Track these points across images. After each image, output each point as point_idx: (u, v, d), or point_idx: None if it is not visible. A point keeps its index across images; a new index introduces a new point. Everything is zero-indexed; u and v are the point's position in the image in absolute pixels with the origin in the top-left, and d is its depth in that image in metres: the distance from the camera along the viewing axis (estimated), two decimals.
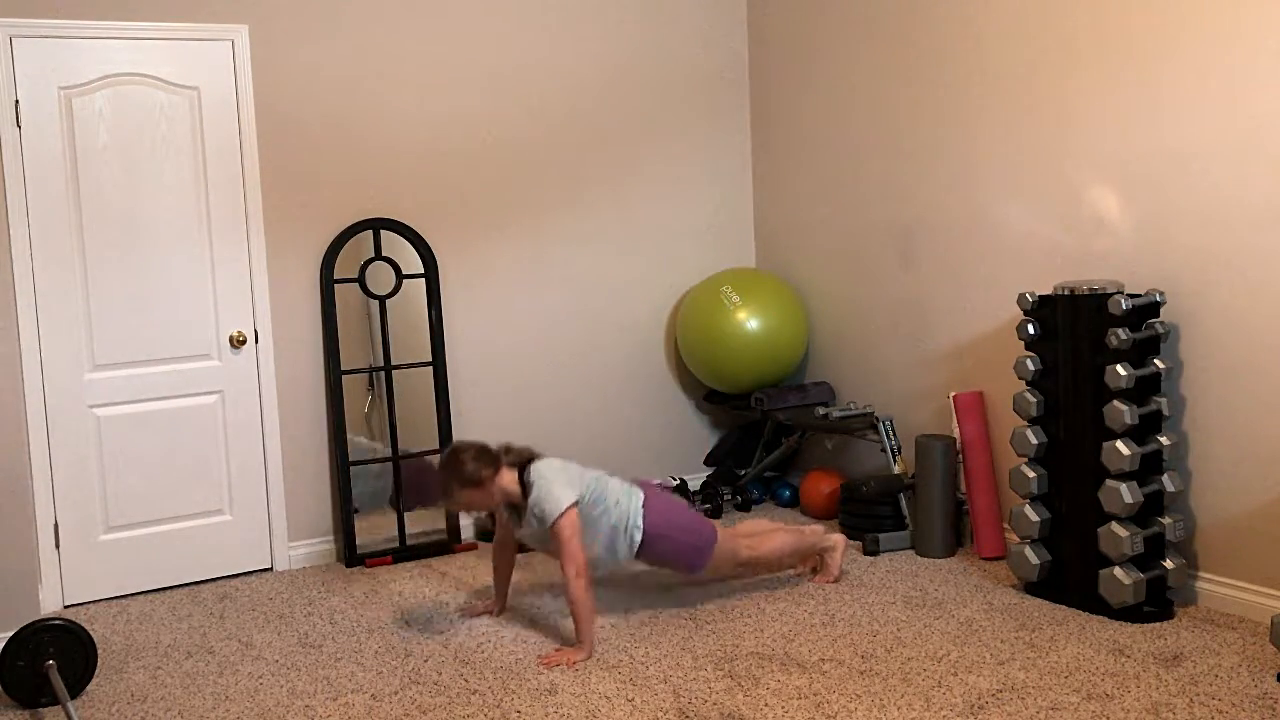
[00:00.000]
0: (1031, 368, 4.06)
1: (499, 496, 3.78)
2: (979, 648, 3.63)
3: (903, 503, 4.76)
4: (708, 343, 5.26)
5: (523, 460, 3.82)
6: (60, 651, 3.45)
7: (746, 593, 4.22)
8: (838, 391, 5.45)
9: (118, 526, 4.48)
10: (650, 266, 5.55)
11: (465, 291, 5.10)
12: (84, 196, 4.35)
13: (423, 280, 4.96)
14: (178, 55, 4.47)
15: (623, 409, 5.49)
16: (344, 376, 4.82)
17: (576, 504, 3.74)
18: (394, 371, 4.92)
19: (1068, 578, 3.98)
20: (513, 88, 5.15)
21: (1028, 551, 4.04)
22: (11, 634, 3.45)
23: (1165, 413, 3.86)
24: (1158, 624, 3.77)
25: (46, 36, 4.26)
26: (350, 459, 4.83)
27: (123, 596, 4.50)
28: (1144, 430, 3.84)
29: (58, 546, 4.39)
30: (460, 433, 5.07)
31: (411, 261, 4.95)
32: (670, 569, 4.09)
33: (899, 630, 3.80)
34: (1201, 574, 3.93)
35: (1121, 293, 3.81)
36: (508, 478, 3.78)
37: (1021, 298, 4.07)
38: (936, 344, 4.88)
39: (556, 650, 3.70)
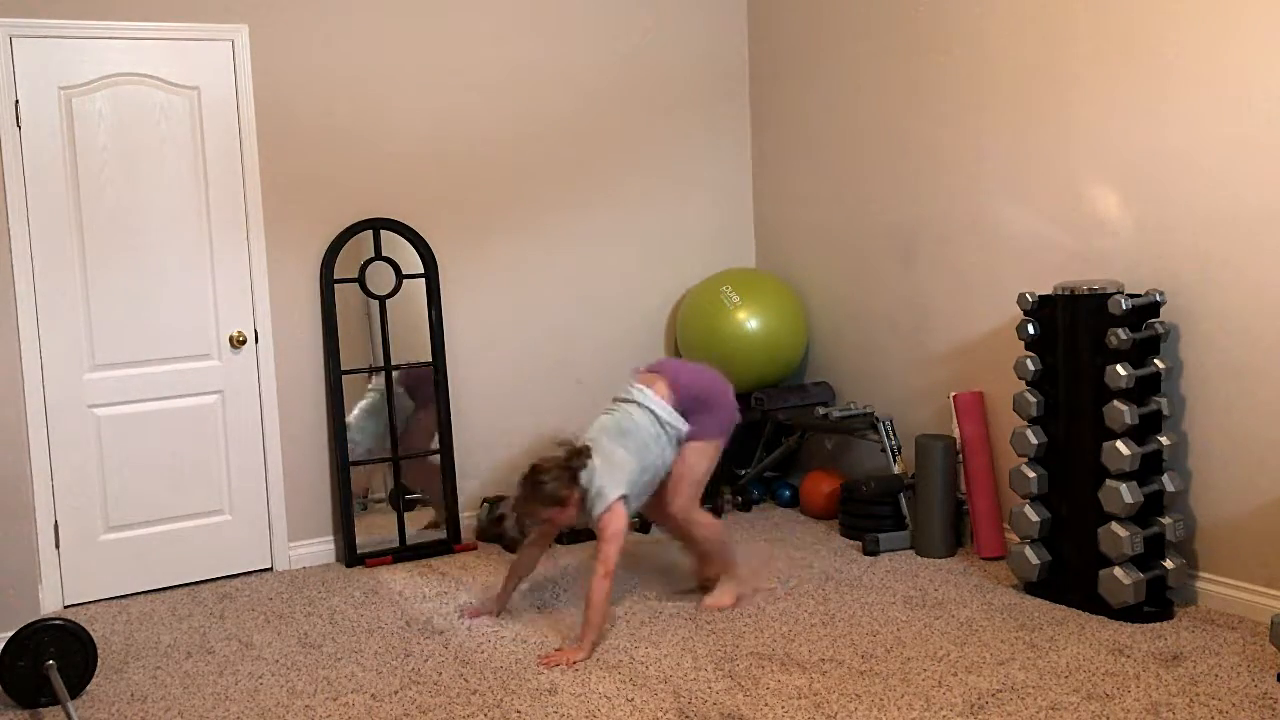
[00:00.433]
0: (1031, 368, 4.06)
1: (576, 508, 3.80)
2: (979, 648, 3.63)
3: (903, 503, 4.76)
4: (708, 343, 5.26)
5: (582, 459, 3.80)
6: (60, 651, 3.45)
7: (753, 593, 4.22)
8: (838, 391, 5.45)
9: (118, 526, 4.48)
10: (650, 266, 5.55)
11: (465, 291, 5.10)
12: (84, 196, 4.35)
13: (423, 280, 4.97)
14: (178, 55, 4.47)
15: None
16: (344, 376, 4.82)
17: (624, 497, 3.77)
18: (393, 363, 4.93)
19: (1068, 578, 3.98)
20: (513, 88, 5.15)
21: (1028, 551, 4.04)
22: (11, 634, 3.45)
23: (1165, 413, 3.86)
24: (1158, 624, 3.77)
25: (46, 36, 4.26)
26: (350, 458, 4.83)
27: (123, 596, 4.50)
28: (1144, 430, 3.84)
29: (58, 546, 4.39)
30: (460, 432, 5.07)
31: (411, 261, 4.95)
32: (697, 439, 4.00)
33: (899, 630, 3.80)
34: (1201, 574, 3.93)
35: (1121, 293, 3.81)
36: (577, 492, 3.79)
37: (1021, 298, 4.07)
38: (936, 344, 4.88)
39: (557, 650, 3.70)
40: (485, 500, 5.09)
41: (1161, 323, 3.85)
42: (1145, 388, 3.86)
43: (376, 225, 4.86)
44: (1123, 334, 3.74)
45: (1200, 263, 3.83)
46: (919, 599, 4.10)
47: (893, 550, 4.66)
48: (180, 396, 4.57)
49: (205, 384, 4.61)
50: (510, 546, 4.89)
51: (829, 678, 3.44)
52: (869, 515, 4.77)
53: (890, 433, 4.92)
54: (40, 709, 3.45)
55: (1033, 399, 4.06)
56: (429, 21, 4.96)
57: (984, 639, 3.70)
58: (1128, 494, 3.74)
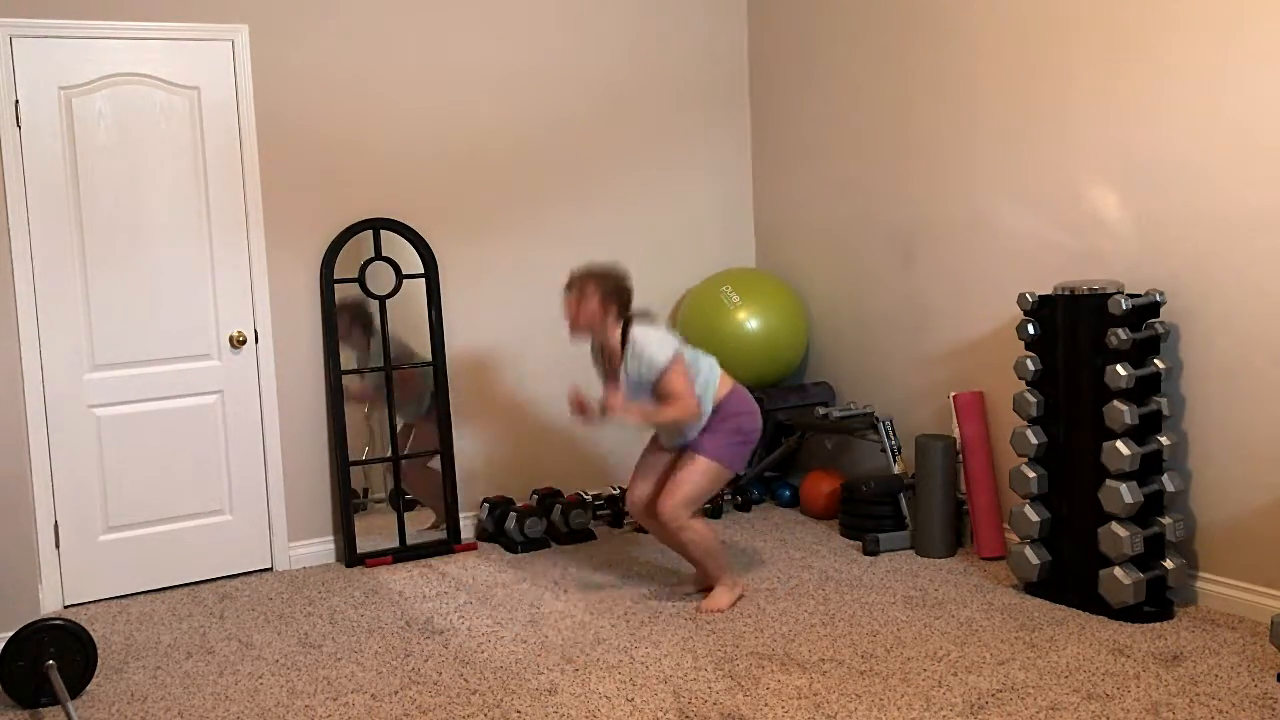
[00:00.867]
0: (1031, 368, 4.06)
1: (602, 331, 3.98)
2: (979, 648, 3.63)
3: (903, 503, 4.76)
4: (708, 343, 5.25)
5: (628, 319, 4.00)
6: (60, 651, 3.45)
7: (747, 593, 4.22)
8: (838, 391, 5.45)
9: (118, 526, 4.48)
10: (650, 266, 5.55)
11: (465, 291, 5.10)
12: (84, 196, 4.35)
13: (423, 280, 4.96)
14: (178, 55, 4.47)
15: None
16: (344, 376, 4.82)
17: (680, 354, 3.91)
18: (393, 360, 4.93)
19: (1068, 578, 3.98)
20: (513, 88, 5.15)
21: (1028, 551, 4.04)
22: (11, 634, 3.45)
23: (1165, 413, 3.86)
24: (1158, 624, 3.77)
25: (46, 36, 4.26)
26: (350, 459, 4.83)
27: (123, 596, 4.50)
28: (1144, 430, 3.84)
29: (58, 546, 4.39)
30: (460, 432, 5.07)
31: (411, 261, 4.95)
32: (714, 458, 4.02)
33: (899, 630, 3.80)
34: (1201, 574, 3.93)
35: (1121, 293, 3.81)
36: (617, 327, 3.96)
37: (1021, 298, 4.07)
38: (936, 344, 4.88)
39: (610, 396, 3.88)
40: (485, 500, 5.09)
41: (1161, 323, 3.85)
42: (1145, 388, 3.86)
43: (376, 225, 4.86)
44: (1123, 334, 3.74)
45: (1200, 263, 3.83)
46: (919, 599, 4.10)
47: (893, 550, 4.66)
48: (180, 396, 4.57)
49: (205, 384, 4.61)
50: (511, 547, 4.89)
51: (829, 678, 3.44)
52: (869, 515, 4.77)
53: (890, 433, 4.92)
54: (40, 709, 3.45)
55: (1033, 399, 4.06)
56: (429, 21, 4.96)
57: (984, 639, 3.70)
58: (1128, 494, 3.74)
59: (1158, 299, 3.85)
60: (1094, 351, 3.88)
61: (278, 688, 3.54)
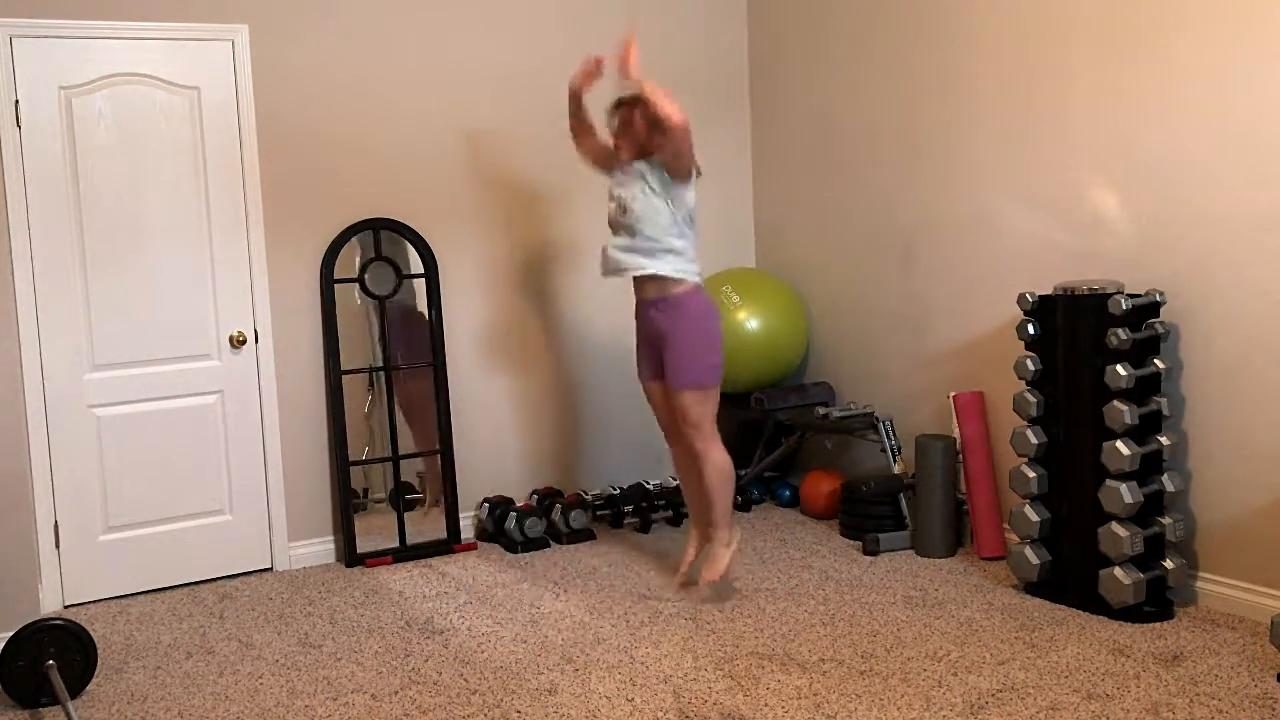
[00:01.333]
0: (1031, 368, 4.06)
1: (644, 133, 4.11)
2: (979, 648, 3.63)
3: (903, 503, 4.76)
4: None
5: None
6: (60, 651, 3.45)
7: (746, 593, 4.22)
8: (838, 391, 5.45)
9: (118, 526, 4.48)
10: None
11: (465, 291, 5.10)
12: (84, 196, 4.35)
13: (423, 280, 4.96)
14: (178, 55, 4.47)
15: (623, 409, 5.48)
16: (344, 376, 4.82)
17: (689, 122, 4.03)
18: (393, 360, 4.93)
19: (1068, 578, 3.98)
20: (513, 87, 5.15)
21: (1028, 551, 4.04)
22: (11, 634, 3.45)
23: (1165, 413, 3.86)
24: (1158, 624, 3.77)
25: (46, 36, 4.26)
26: (350, 459, 4.83)
27: (123, 596, 4.50)
28: (1144, 430, 3.84)
29: (58, 546, 4.39)
30: (460, 432, 5.07)
31: (411, 261, 4.95)
32: (696, 385, 4.06)
33: (899, 630, 3.80)
34: (1201, 574, 3.93)
35: (1121, 293, 3.81)
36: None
37: (1021, 298, 4.07)
38: (936, 344, 4.88)
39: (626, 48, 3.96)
40: (485, 500, 5.09)
41: (1161, 323, 3.85)
42: (1145, 388, 3.86)
43: (376, 225, 4.86)
44: (1123, 334, 3.74)
45: (1200, 263, 3.83)
46: (919, 599, 4.10)
47: (893, 550, 4.66)
48: (180, 396, 4.57)
49: (205, 384, 4.61)
50: (511, 546, 4.89)
51: (829, 678, 3.44)
52: (869, 515, 4.77)
53: (890, 433, 4.92)
54: (40, 709, 3.45)
55: (1033, 399, 4.06)
56: (429, 21, 4.96)
57: (984, 639, 3.70)
58: (1128, 494, 3.74)
59: (1158, 299, 3.85)
60: (1094, 351, 3.88)
61: (278, 688, 3.54)
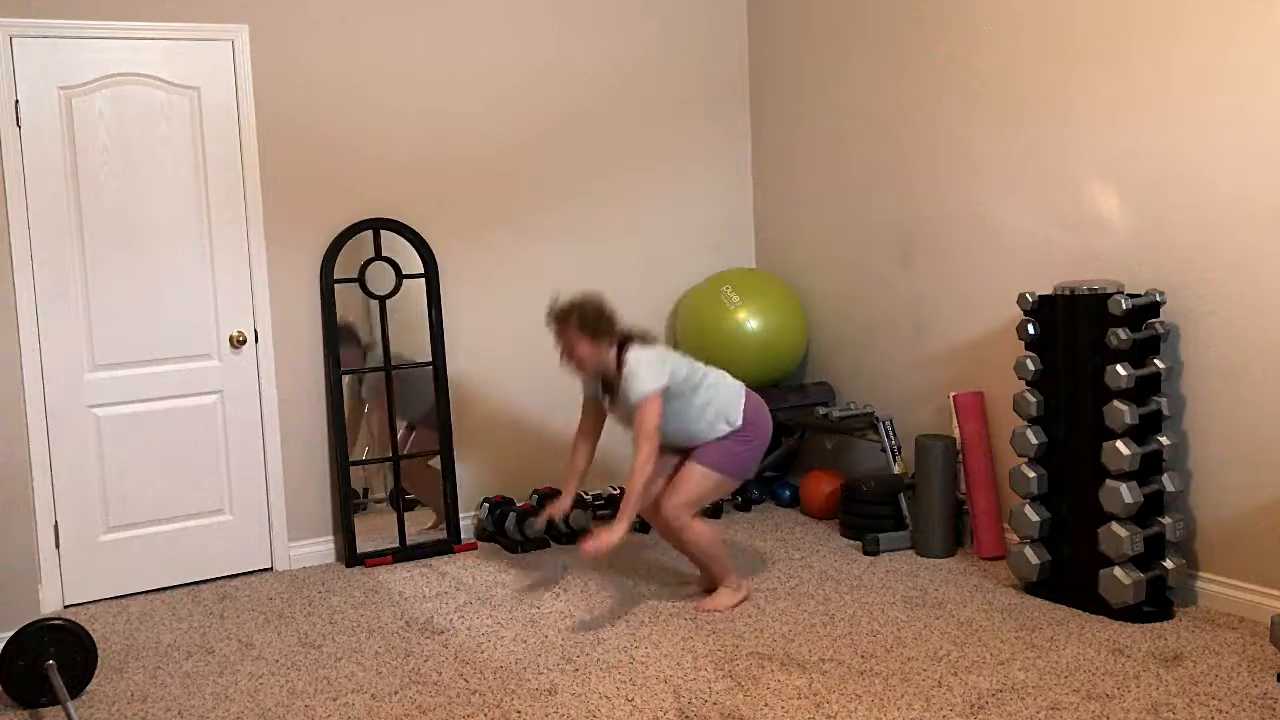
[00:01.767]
0: (1031, 368, 4.06)
1: (600, 362, 3.92)
2: (979, 648, 3.63)
3: (903, 503, 4.76)
4: (708, 343, 5.25)
5: (625, 339, 3.93)
6: (60, 651, 3.45)
7: (751, 595, 4.22)
8: (838, 391, 5.45)
9: (118, 526, 4.48)
10: (650, 266, 5.55)
11: (465, 291, 5.10)
12: (84, 196, 4.35)
13: (423, 280, 4.96)
14: (178, 55, 4.47)
15: None
16: (344, 376, 4.83)
17: (664, 388, 3.86)
18: (394, 359, 4.93)
19: (1068, 578, 3.98)
20: (513, 88, 5.15)
21: (1028, 551, 4.04)
22: (11, 634, 3.45)
23: (1165, 413, 3.86)
24: (1158, 624, 3.77)
25: (46, 36, 4.26)
26: (350, 459, 4.83)
27: (123, 596, 4.50)
28: (1144, 430, 3.84)
29: (58, 546, 4.39)
30: (460, 432, 5.07)
31: (411, 261, 4.95)
32: (716, 467, 4.03)
33: (899, 630, 3.80)
34: (1201, 574, 3.93)
35: (1121, 293, 3.81)
36: (611, 351, 3.91)
37: (1021, 298, 4.07)
38: (936, 344, 4.88)
39: (594, 535, 3.71)
40: (485, 500, 5.09)
41: (1161, 323, 3.85)
42: (1145, 388, 3.86)
43: (376, 225, 4.86)
44: (1123, 334, 3.74)
45: (1200, 263, 3.83)
46: (919, 599, 4.10)
47: (893, 550, 4.66)
48: (180, 396, 4.57)
49: (205, 384, 4.61)
50: (511, 547, 4.89)
51: (829, 678, 3.44)
52: (869, 515, 4.77)
53: (890, 433, 4.92)
54: (40, 709, 3.45)
55: (1033, 399, 4.06)
56: (429, 21, 4.96)
57: (984, 639, 3.70)
58: (1128, 494, 3.74)
59: (1158, 299, 3.85)
60: (1094, 351, 3.88)
61: (278, 688, 3.54)
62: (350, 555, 4.78)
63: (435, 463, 5.01)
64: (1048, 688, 3.31)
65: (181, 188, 4.51)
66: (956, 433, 4.61)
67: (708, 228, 5.72)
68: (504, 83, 5.13)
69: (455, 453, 5.04)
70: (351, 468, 4.84)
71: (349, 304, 4.86)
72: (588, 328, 3.89)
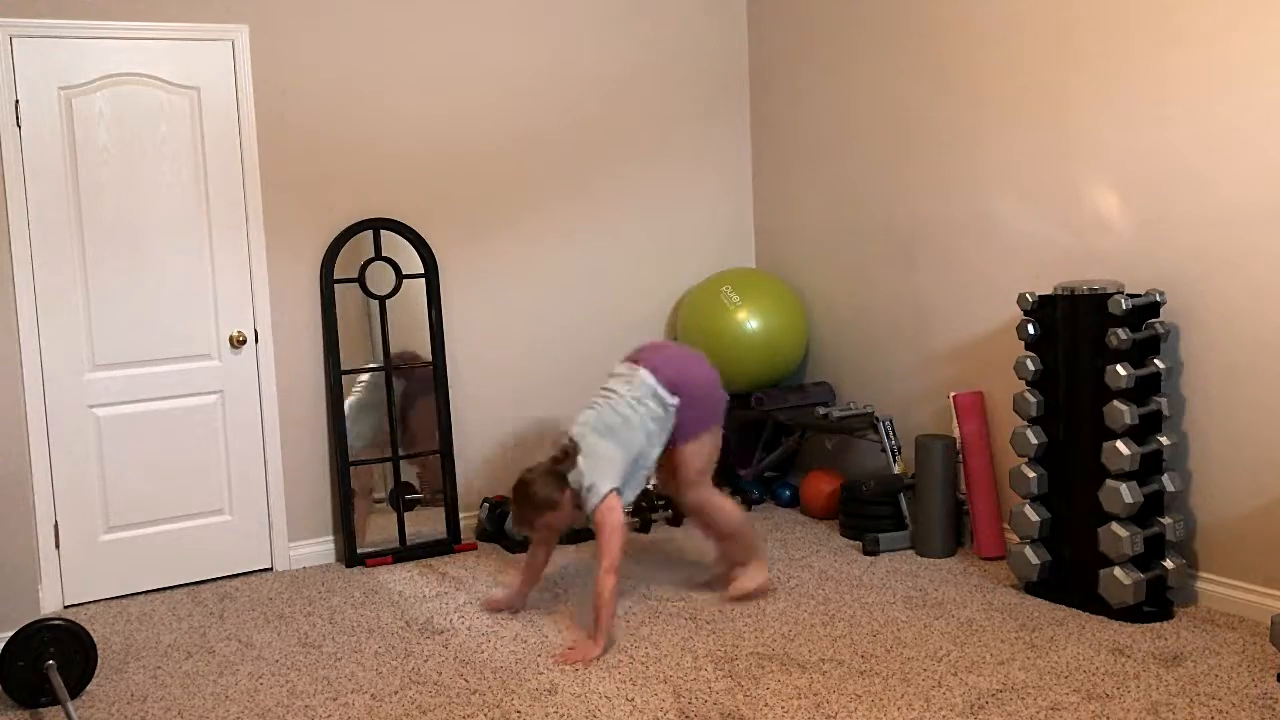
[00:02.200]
0: (1031, 368, 4.06)
1: (571, 507, 3.85)
2: (979, 648, 3.63)
3: (903, 503, 4.76)
4: (708, 343, 5.25)
5: (570, 460, 3.82)
6: (60, 651, 3.45)
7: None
8: (838, 391, 5.45)
9: (118, 526, 4.48)
10: (650, 266, 5.56)
11: (465, 291, 5.10)
12: (84, 196, 4.35)
13: (423, 280, 4.97)
14: (178, 55, 4.47)
15: None
16: (344, 376, 4.82)
17: (617, 490, 3.81)
18: (393, 358, 4.93)
19: (1068, 578, 3.98)
20: (513, 88, 5.15)
21: (1028, 551, 4.04)
22: (11, 634, 3.45)
23: (1165, 413, 3.86)
24: (1158, 624, 3.77)
25: (46, 36, 4.26)
26: (350, 459, 4.83)
27: (123, 596, 4.50)
28: (1144, 430, 3.84)
29: (58, 546, 4.39)
30: (460, 432, 5.07)
31: (411, 261, 4.95)
32: (698, 437, 4.04)
33: (899, 630, 3.80)
34: (1201, 574, 3.93)
35: (1121, 293, 3.81)
36: (567, 491, 3.83)
37: (1021, 298, 4.07)
38: (936, 344, 4.88)
39: (569, 649, 3.70)
40: (485, 500, 5.09)
41: (1161, 323, 3.85)
42: (1145, 388, 3.86)
43: (376, 225, 4.86)
44: (1123, 334, 3.74)
45: (1200, 263, 3.83)
46: (919, 599, 4.10)
47: (893, 550, 4.66)
48: (180, 396, 4.57)
49: (205, 384, 4.61)
50: (511, 547, 4.89)
51: (829, 678, 3.44)
52: (869, 515, 4.77)
53: (890, 433, 4.92)
54: (40, 709, 3.45)
55: (1033, 399, 4.06)
56: (429, 22, 4.96)
57: (984, 639, 3.70)
58: (1128, 494, 3.74)
59: (1158, 299, 3.85)
60: (1094, 351, 3.88)
61: (278, 688, 3.54)
62: (350, 555, 4.78)
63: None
64: (1048, 688, 3.31)
65: (181, 187, 4.51)
66: (956, 433, 4.61)
67: (708, 228, 5.72)
68: (504, 83, 5.13)
69: (455, 453, 5.04)
70: (352, 468, 4.84)
71: (349, 304, 4.86)
72: (545, 505, 3.79)
